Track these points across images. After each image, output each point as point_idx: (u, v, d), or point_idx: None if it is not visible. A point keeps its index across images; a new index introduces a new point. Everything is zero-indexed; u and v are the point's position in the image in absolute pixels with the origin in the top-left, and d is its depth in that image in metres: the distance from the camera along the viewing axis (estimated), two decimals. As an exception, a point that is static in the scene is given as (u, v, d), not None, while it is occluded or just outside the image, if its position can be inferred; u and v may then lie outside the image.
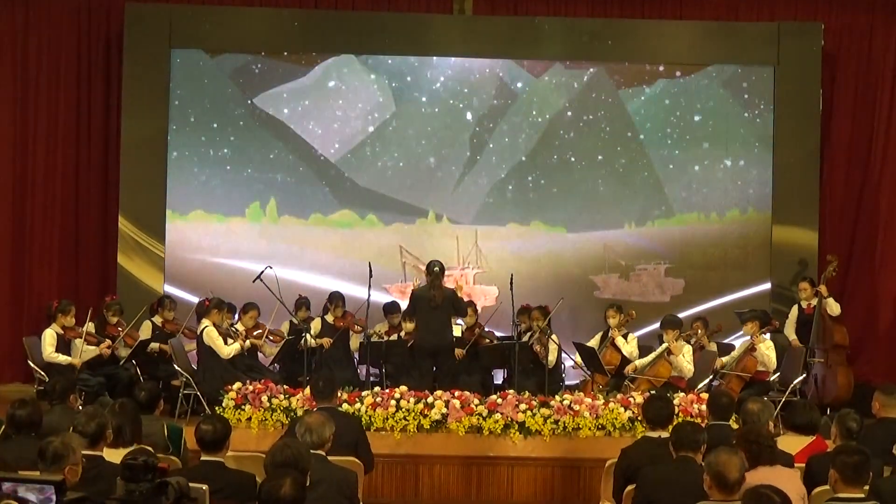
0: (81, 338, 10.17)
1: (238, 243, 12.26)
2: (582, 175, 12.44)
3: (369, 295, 10.50)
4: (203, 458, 5.62)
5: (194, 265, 12.13)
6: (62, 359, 10.06)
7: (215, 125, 12.23)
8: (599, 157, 12.45)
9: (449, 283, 11.73)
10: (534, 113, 12.48)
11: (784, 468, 5.60)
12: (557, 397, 8.93)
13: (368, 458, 6.94)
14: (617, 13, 12.53)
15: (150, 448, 5.91)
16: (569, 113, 12.44)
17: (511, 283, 10.50)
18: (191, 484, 4.35)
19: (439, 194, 12.54)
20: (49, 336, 10.13)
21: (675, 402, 8.43)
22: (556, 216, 12.50)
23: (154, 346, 10.67)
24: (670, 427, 6.22)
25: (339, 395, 8.03)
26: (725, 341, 11.30)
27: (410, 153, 12.49)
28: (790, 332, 11.19)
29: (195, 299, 11.54)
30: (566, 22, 12.42)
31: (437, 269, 10.22)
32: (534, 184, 12.52)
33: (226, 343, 10.13)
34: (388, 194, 12.48)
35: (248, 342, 10.37)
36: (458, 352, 10.55)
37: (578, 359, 10.55)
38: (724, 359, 10.44)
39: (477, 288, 12.42)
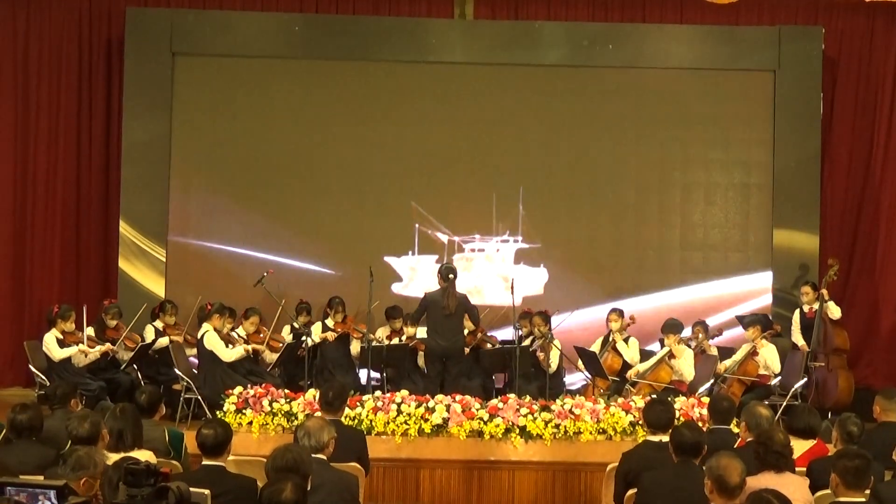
0: (82, 342, 10.18)
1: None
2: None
3: (370, 299, 10.47)
4: (204, 462, 5.61)
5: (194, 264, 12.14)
6: (71, 350, 10.08)
7: (218, 129, 12.24)
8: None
9: (481, 261, 11.58)
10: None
11: (792, 475, 5.58)
12: (558, 401, 8.93)
13: (366, 468, 6.94)
14: (618, 17, 12.54)
15: (150, 453, 5.92)
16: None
17: (512, 287, 10.50)
18: (193, 489, 4.35)
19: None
20: (51, 339, 10.16)
21: (677, 406, 8.44)
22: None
23: (163, 340, 10.66)
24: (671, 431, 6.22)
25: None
26: (726, 344, 11.29)
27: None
28: (797, 336, 11.17)
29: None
30: (567, 26, 12.43)
31: (451, 276, 10.23)
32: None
33: (227, 348, 10.13)
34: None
35: (250, 346, 10.36)
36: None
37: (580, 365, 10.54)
38: (727, 362, 10.43)
39: (519, 270, 11.89)
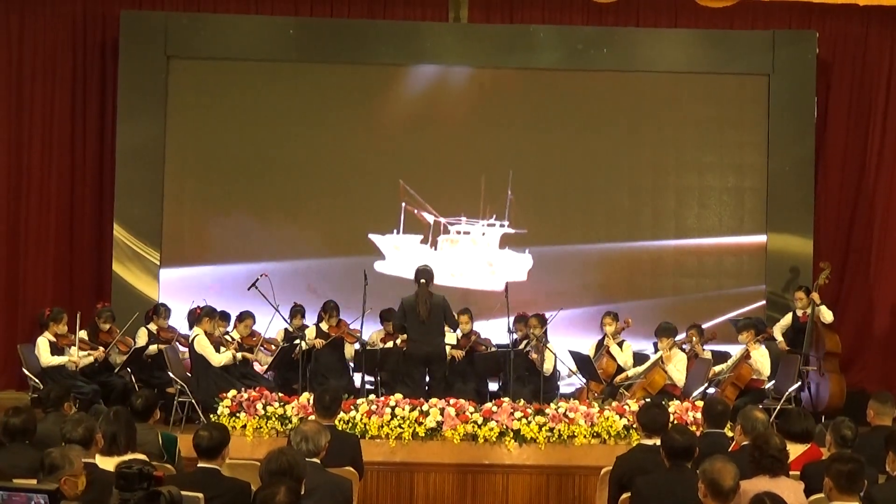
0: (74, 345, 10.17)
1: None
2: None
3: (364, 302, 10.44)
4: (199, 465, 5.61)
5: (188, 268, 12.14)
6: (60, 360, 10.07)
7: (212, 132, 12.23)
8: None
9: (466, 244, 11.50)
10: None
11: (786, 479, 5.57)
12: (552, 405, 8.93)
13: (361, 472, 6.93)
14: (612, 21, 12.54)
15: (144, 456, 5.91)
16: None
17: (506, 292, 10.48)
18: (186, 493, 4.35)
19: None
20: (43, 343, 10.14)
21: (671, 409, 8.45)
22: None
23: (152, 348, 10.64)
24: (665, 435, 6.22)
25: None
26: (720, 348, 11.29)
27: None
28: (777, 334, 11.18)
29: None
30: (561, 30, 12.44)
31: (423, 280, 10.06)
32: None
33: (217, 351, 10.12)
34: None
35: (240, 354, 10.31)
36: (458, 353, 10.53)
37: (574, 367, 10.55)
38: (719, 367, 10.41)
39: (504, 255, 11.82)
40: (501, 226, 12.08)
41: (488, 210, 12.09)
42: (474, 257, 11.76)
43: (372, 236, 12.02)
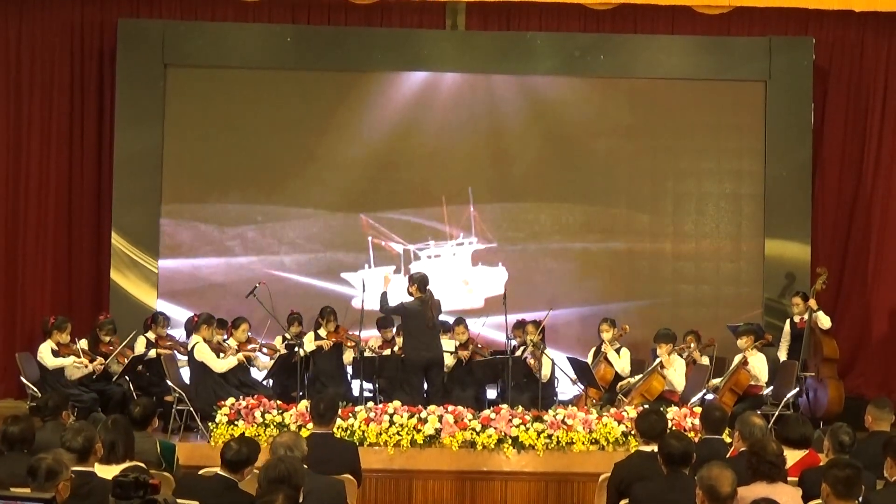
0: (77, 355, 10.18)
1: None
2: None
3: (363, 309, 10.45)
4: (219, 472, 5.60)
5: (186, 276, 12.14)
6: (65, 361, 10.09)
7: (209, 140, 12.24)
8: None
9: (438, 266, 11.52)
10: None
11: (784, 485, 5.57)
12: (551, 412, 8.93)
13: (359, 479, 6.92)
14: (609, 28, 12.55)
15: (142, 464, 5.91)
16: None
17: (504, 298, 10.48)
18: (183, 501, 4.35)
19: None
20: (46, 348, 10.17)
21: (668, 416, 8.44)
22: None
23: (151, 353, 10.65)
24: (664, 441, 6.21)
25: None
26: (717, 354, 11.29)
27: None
28: (783, 352, 11.18)
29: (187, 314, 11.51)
30: (559, 37, 12.46)
31: (429, 286, 10.12)
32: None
33: (217, 357, 10.12)
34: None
35: (240, 355, 10.28)
36: (464, 353, 10.53)
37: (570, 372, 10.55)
38: (718, 380, 10.38)
39: (479, 271, 11.89)
40: (470, 243, 12.08)
41: (454, 229, 12.15)
42: (449, 278, 11.76)
43: (345, 275, 11.99)
